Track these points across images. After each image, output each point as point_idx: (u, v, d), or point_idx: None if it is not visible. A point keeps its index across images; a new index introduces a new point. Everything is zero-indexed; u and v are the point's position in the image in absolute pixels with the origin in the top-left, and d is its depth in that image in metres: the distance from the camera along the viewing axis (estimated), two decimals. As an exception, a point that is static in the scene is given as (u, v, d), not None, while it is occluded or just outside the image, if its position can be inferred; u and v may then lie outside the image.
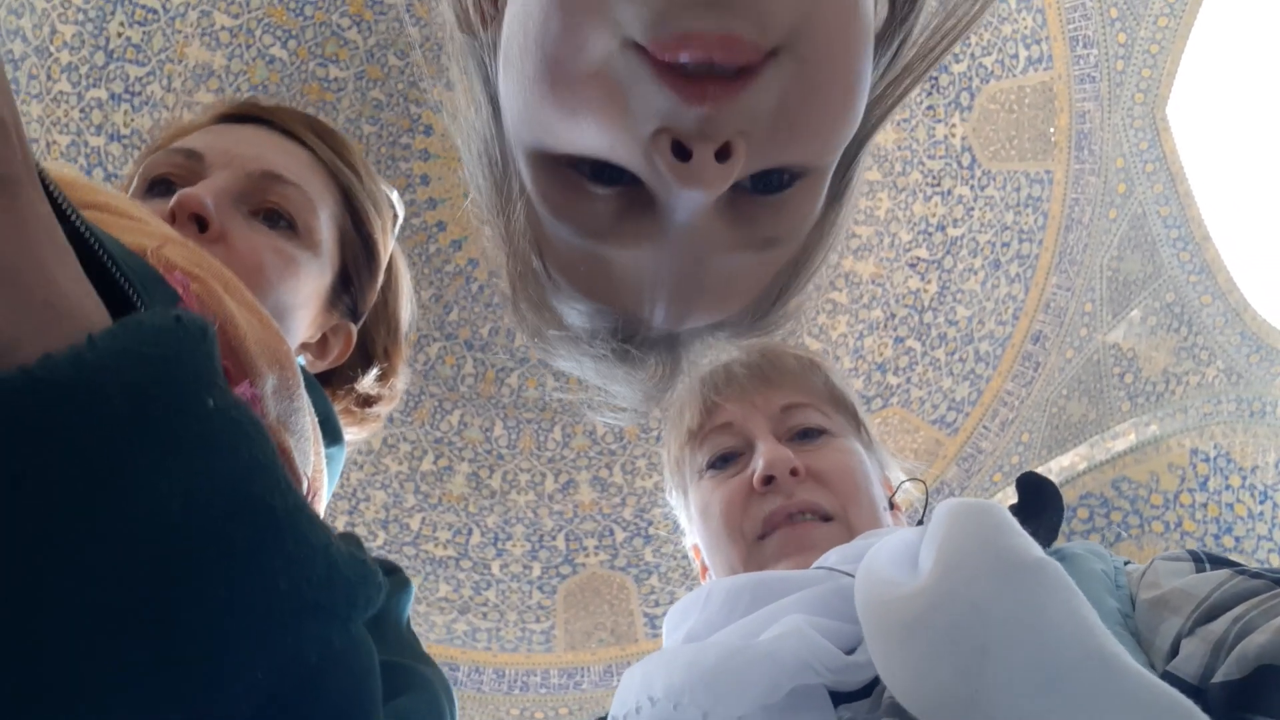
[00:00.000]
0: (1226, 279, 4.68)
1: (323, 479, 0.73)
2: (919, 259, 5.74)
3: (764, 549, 1.01)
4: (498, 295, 6.21)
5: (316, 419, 0.73)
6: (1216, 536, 4.53)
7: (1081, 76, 5.03)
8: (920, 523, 1.03)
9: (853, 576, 0.81)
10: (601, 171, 0.58)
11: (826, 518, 1.03)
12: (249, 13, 5.49)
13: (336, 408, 1.08)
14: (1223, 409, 4.55)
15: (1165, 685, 0.55)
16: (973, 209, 5.54)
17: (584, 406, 0.83)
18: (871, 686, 0.73)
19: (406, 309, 1.19)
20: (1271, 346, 4.51)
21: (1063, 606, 0.59)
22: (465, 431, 6.20)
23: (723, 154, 0.53)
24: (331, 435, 0.81)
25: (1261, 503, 4.45)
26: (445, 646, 5.76)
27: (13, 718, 0.29)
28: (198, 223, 0.86)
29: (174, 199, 0.86)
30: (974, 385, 5.50)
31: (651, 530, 6.10)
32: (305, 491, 0.65)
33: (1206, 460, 4.59)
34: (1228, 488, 4.55)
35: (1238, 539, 4.48)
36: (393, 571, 0.92)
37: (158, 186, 0.94)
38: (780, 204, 0.61)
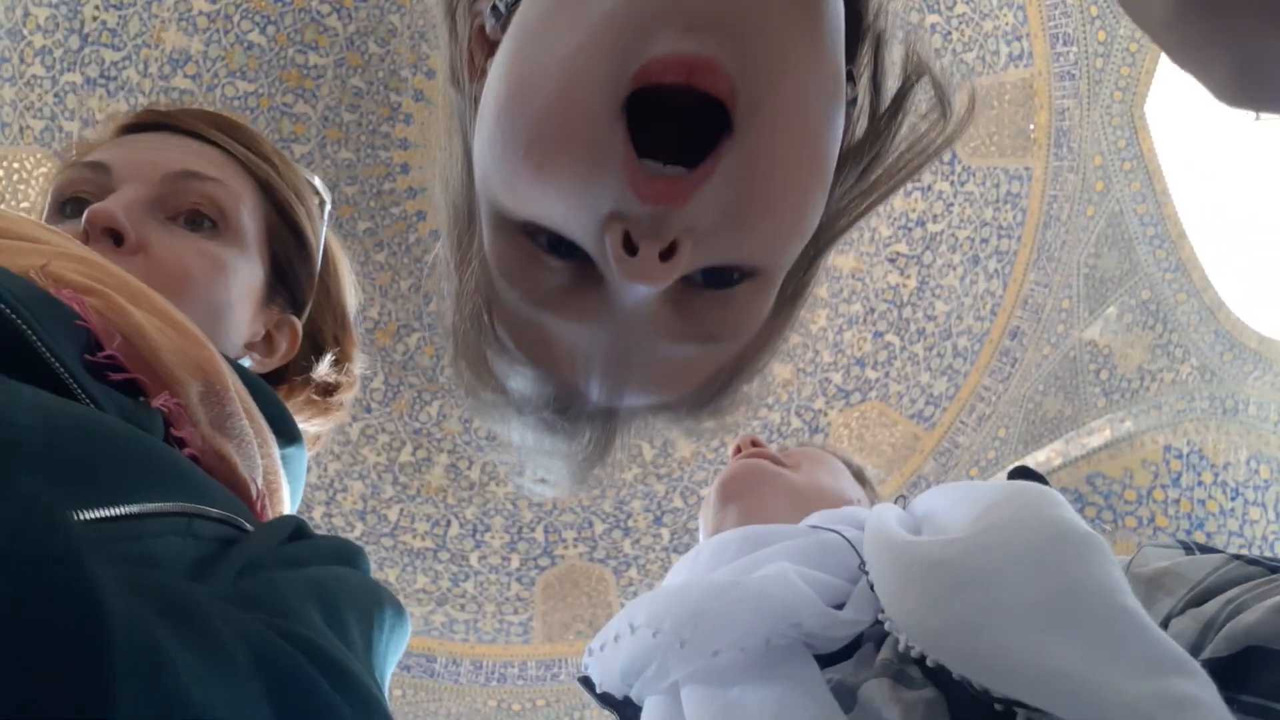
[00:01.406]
0: (1201, 277, 4.72)
1: (279, 479, 0.72)
2: (899, 254, 5.76)
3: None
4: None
5: (265, 421, 0.72)
6: (1189, 532, 4.57)
7: (1061, 74, 5.05)
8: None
9: (835, 532, 0.83)
10: (557, 245, 0.59)
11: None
12: (227, -3, 5.43)
13: (297, 399, 1.07)
14: (1196, 406, 4.60)
15: (1180, 649, 0.56)
16: (952, 205, 5.56)
17: (511, 471, 0.83)
18: (853, 648, 0.74)
19: (351, 295, 1.16)
20: (1244, 345, 4.56)
21: (1102, 570, 0.61)
22: (444, 423, 6.18)
23: (668, 252, 0.54)
24: (287, 435, 0.80)
25: (1233, 499, 4.50)
26: (423, 638, 5.75)
27: None
28: (113, 237, 0.82)
29: (84, 216, 0.82)
30: (952, 380, 5.53)
31: (630, 523, 6.10)
32: (254, 495, 0.64)
33: (1180, 457, 4.63)
34: (1200, 484, 4.59)
35: (1209, 534, 4.53)
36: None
37: (68, 206, 0.89)
38: (727, 300, 0.61)
